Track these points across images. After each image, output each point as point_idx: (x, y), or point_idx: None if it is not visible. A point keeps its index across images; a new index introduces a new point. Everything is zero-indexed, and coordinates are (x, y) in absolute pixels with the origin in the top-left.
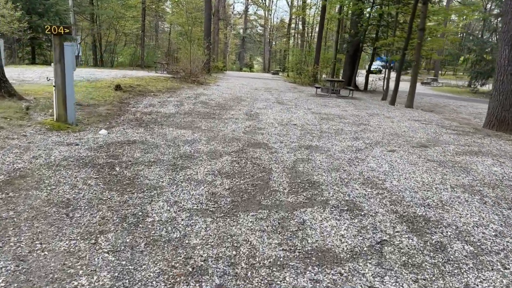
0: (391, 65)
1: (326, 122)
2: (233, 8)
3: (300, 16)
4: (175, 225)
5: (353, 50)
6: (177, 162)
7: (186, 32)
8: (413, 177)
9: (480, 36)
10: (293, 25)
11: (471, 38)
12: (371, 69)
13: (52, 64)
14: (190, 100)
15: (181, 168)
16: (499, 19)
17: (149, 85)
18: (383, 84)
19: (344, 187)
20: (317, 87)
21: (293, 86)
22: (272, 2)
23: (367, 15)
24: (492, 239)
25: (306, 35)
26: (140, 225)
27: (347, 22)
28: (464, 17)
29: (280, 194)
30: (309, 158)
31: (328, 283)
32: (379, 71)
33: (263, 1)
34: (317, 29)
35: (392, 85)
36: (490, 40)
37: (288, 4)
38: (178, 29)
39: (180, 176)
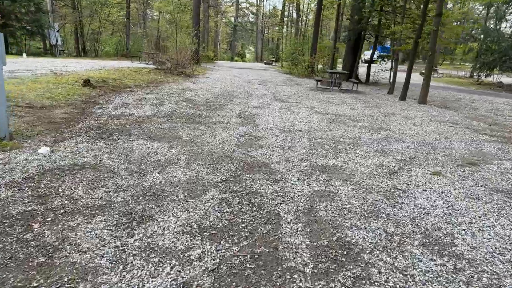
0: (397, 56)
1: (337, 126)
2: None
3: (294, 3)
4: None
5: (354, 38)
6: (136, 206)
7: (175, 19)
8: (488, 226)
9: (484, 24)
10: (286, 13)
11: (475, 25)
12: (372, 59)
13: (24, 54)
14: (173, 97)
15: (139, 222)
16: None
17: (127, 78)
18: (390, 77)
19: (397, 254)
20: (317, 80)
21: (289, 78)
22: None
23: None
24: None
25: (300, 23)
26: None
27: (346, 8)
28: (473, 2)
29: (301, 279)
30: (330, 191)
31: None
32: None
33: None
34: (311, 17)
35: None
36: (498, 28)
37: None
38: (168, 17)
39: (134, 241)
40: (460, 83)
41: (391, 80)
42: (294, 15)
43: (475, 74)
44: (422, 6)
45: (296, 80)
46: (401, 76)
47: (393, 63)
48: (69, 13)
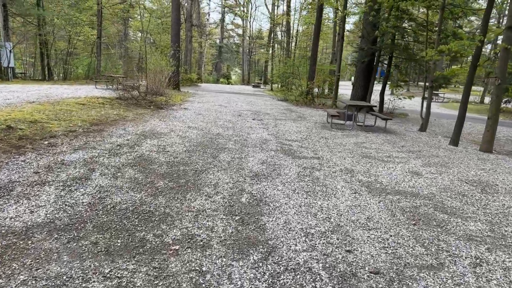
0: (431, 83)
1: (440, 246)
2: (208, 15)
3: (284, 22)
4: None
5: (368, 60)
6: None
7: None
8: None
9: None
10: (276, 33)
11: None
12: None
13: None
14: (117, 157)
15: None
16: None
17: (60, 118)
18: (422, 110)
19: None
20: (333, 115)
21: (287, 107)
22: (252, 7)
23: (385, 14)
24: None
25: (290, 44)
26: None
27: (357, 25)
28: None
29: None
30: None
31: None
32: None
33: (242, 10)
34: (298, 40)
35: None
36: None
37: (269, 11)
38: (148, 37)
39: None
40: (477, 111)
41: (423, 113)
42: (280, 36)
43: (486, 98)
44: (482, 19)
45: (296, 110)
46: (411, 104)
47: (426, 92)
48: (26, 31)
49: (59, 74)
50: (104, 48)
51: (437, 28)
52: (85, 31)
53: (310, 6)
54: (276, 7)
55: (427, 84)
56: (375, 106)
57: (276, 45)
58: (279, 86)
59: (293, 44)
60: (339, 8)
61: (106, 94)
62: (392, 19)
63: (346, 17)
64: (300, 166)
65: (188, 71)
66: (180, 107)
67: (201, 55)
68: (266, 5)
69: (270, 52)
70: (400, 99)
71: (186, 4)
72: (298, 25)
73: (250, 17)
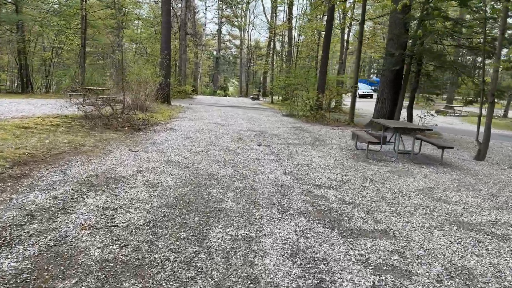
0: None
1: None
2: (205, 24)
3: (285, 32)
4: None
5: (396, 69)
6: None
7: (146, 48)
8: None
9: None
10: (276, 43)
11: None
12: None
13: None
14: (5, 253)
15: None
16: None
17: None
18: (478, 132)
19: None
20: (371, 142)
21: (296, 125)
22: (251, 16)
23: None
24: None
25: (292, 53)
26: None
27: (383, 30)
28: None
29: None
30: None
31: None
32: (370, 96)
33: (239, 20)
34: (299, 50)
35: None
36: None
37: (268, 20)
38: (140, 47)
39: None
40: (506, 126)
41: (479, 136)
42: (279, 46)
43: None
44: None
45: (307, 128)
46: (441, 120)
47: (484, 105)
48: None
49: (41, 87)
50: (96, 58)
51: (498, 26)
52: (71, 39)
53: (317, 11)
54: (275, 16)
55: (479, 98)
56: (430, 130)
57: (275, 56)
58: (280, 98)
59: (295, 53)
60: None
61: (72, 112)
62: (436, 15)
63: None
64: (366, 264)
65: (182, 82)
66: (165, 126)
67: (197, 66)
68: (265, 14)
69: (270, 62)
70: (432, 115)
71: (180, 13)
72: (299, 34)
73: (249, 27)
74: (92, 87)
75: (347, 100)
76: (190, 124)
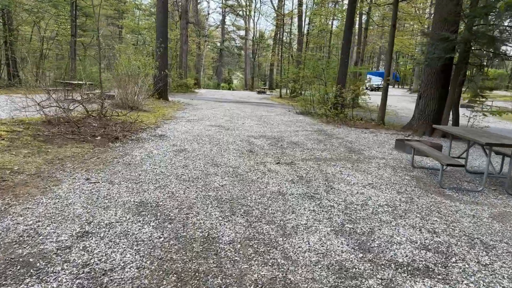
0: None
1: None
2: (208, 14)
3: (296, 18)
4: None
5: (444, 59)
6: None
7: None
8: None
9: None
10: (282, 34)
11: None
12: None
13: None
14: None
15: None
16: None
17: None
18: None
19: None
20: (449, 165)
21: (316, 128)
22: (256, 3)
23: None
24: None
25: (303, 43)
26: None
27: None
28: None
29: None
30: None
31: None
32: (377, 89)
33: (243, 10)
34: (308, 39)
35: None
36: None
37: (275, 8)
38: (140, 38)
39: None
40: None
41: None
42: (286, 36)
43: None
44: None
45: (332, 133)
46: (491, 121)
47: None
48: None
49: (31, 81)
50: (94, 50)
51: None
52: (62, 29)
53: None
54: (283, 4)
55: None
56: None
57: (283, 46)
58: (288, 92)
59: (305, 43)
60: None
61: (33, 115)
62: None
63: None
64: None
65: (183, 75)
66: (154, 132)
67: (200, 57)
68: (271, 1)
69: (277, 51)
70: (485, 115)
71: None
72: (309, 22)
73: (254, 16)
74: (69, 82)
75: (377, 95)
76: (186, 127)
